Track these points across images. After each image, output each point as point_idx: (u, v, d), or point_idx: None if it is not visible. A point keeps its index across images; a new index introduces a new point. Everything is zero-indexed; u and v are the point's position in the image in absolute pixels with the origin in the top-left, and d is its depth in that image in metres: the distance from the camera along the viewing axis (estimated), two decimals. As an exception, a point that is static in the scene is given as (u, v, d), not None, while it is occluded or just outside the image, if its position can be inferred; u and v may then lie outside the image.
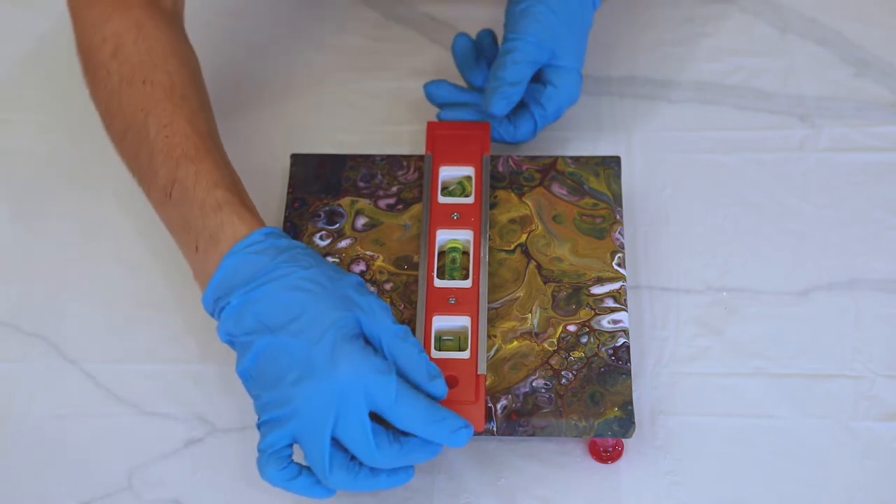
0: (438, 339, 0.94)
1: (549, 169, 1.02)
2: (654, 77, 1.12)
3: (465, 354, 0.92)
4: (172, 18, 1.00)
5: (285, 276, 0.88)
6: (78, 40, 0.99)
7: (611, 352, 0.93)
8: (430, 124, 1.03)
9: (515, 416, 0.90)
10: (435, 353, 0.92)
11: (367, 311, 0.88)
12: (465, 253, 0.98)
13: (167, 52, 0.96)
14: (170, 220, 0.93)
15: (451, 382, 0.90)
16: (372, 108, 1.13)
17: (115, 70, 0.96)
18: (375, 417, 0.86)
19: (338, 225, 1.00)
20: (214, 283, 0.89)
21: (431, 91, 1.06)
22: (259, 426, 0.87)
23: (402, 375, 0.87)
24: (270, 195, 1.06)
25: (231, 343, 0.90)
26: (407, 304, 0.96)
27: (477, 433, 0.89)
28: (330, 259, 0.98)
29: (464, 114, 1.04)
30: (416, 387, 0.87)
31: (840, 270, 1.01)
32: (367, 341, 0.88)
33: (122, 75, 0.95)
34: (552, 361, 0.93)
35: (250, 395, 0.89)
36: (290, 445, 0.87)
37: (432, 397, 0.88)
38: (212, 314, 0.91)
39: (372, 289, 0.95)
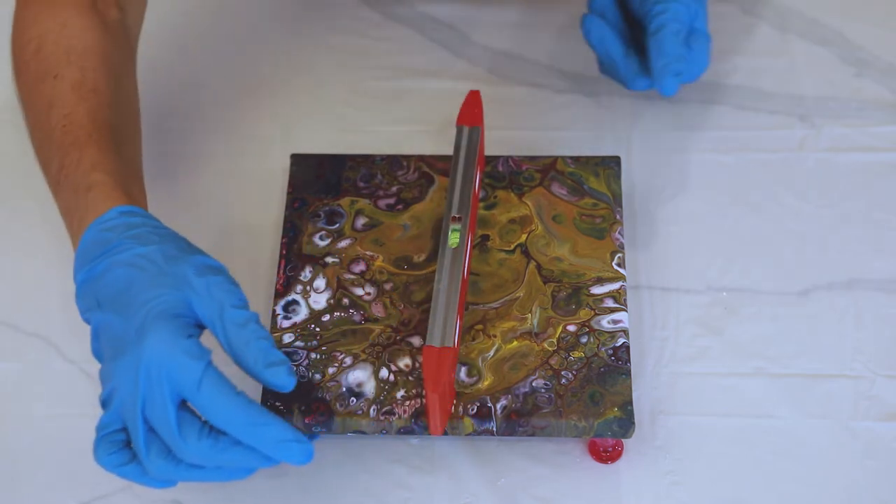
0: None
1: (549, 169, 1.03)
2: (654, 77, 1.12)
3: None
4: (112, 26, 0.98)
5: (121, 253, 0.86)
6: (11, 41, 0.99)
7: (611, 352, 0.93)
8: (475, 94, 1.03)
9: (515, 416, 0.90)
10: None
11: (202, 293, 0.84)
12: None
13: (88, 50, 0.96)
14: (60, 207, 0.92)
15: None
16: (372, 108, 1.13)
17: (34, 67, 0.96)
18: None
19: (338, 225, 1.00)
20: (75, 263, 0.88)
21: (590, 30, 1.06)
22: (101, 405, 0.85)
23: (240, 365, 0.83)
24: (270, 195, 1.06)
25: (87, 323, 0.88)
26: (407, 304, 0.96)
27: (478, 433, 0.89)
28: (330, 259, 0.98)
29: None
30: (254, 377, 0.83)
31: (840, 270, 1.01)
32: (200, 326, 0.84)
33: (37, 72, 0.95)
34: (552, 361, 0.93)
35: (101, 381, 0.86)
36: (123, 429, 0.83)
37: (274, 388, 0.83)
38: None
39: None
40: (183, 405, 0.82)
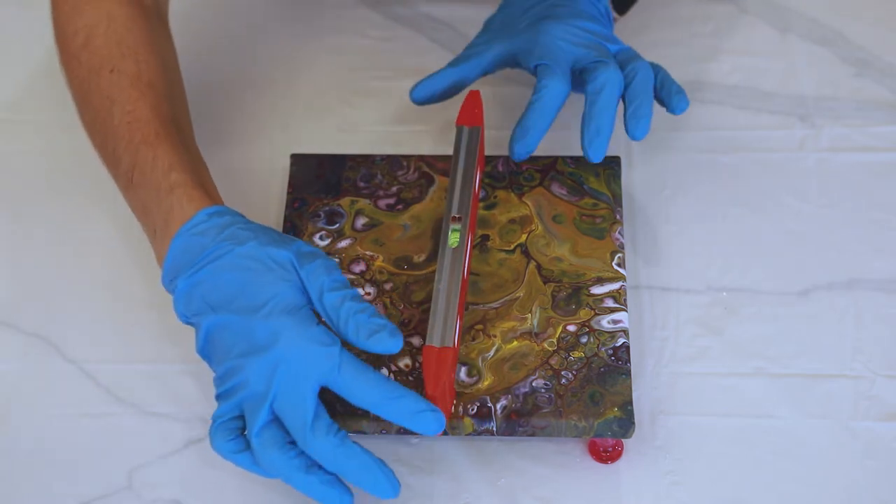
0: None
1: (549, 169, 1.03)
2: (654, 77, 1.12)
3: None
4: (151, 12, 1.01)
5: (223, 257, 0.88)
6: (54, 32, 1.00)
7: (611, 352, 0.93)
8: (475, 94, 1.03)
9: (515, 417, 0.90)
10: None
11: (308, 278, 0.88)
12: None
13: (138, 42, 0.97)
14: (133, 206, 0.94)
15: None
16: (372, 108, 1.13)
17: (85, 60, 0.97)
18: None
19: (338, 225, 1.00)
20: (166, 267, 0.90)
21: (419, 96, 1.05)
22: (216, 398, 0.88)
23: (349, 342, 0.87)
24: (270, 195, 1.06)
25: (189, 324, 0.91)
26: (407, 304, 0.96)
27: (477, 432, 0.89)
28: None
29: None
30: (363, 349, 0.87)
31: (840, 270, 1.01)
32: (316, 313, 0.88)
33: (90, 65, 0.97)
34: (552, 361, 0.93)
35: (213, 369, 0.89)
36: (240, 417, 0.87)
37: (384, 353, 0.87)
38: (167, 285, 0.92)
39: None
40: (320, 405, 0.86)
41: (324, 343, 0.86)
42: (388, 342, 0.86)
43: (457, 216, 0.95)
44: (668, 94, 1.00)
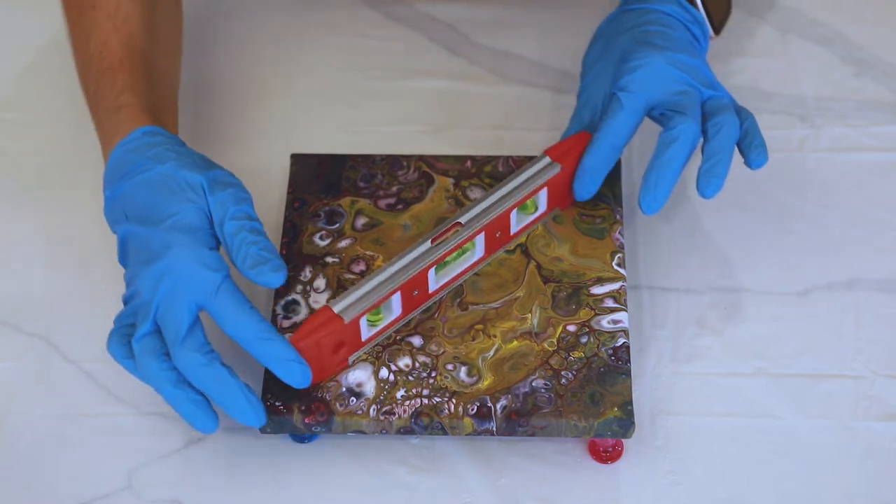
0: None
1: (549, 169, 1.02)
2: (654, 77, 1.12)
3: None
4: None
5: (143, 173, 0.93)
6: None
7: (611, 352, 0.93)
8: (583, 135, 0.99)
9: (515, 416, 0.90)
10: None
11: (215, 204, 0.91)
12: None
13: None
14: (96, 128, 0.99)
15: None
16: (372, 108, 1.13)
17: (75, 3, 1.02)
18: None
19: (338, 225, 1.00)
20: (104, 178, 0.95)
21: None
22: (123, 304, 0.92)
23: (235, 266, 0.90)
24: (270, 195, 1.06)
25: (114, 232, 0.95)
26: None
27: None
28: (330, 259, 0.98)
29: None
30: (247, 278, 0.90)
31: (840, 270, 1.01)
32: (218, 240, 0.92)
33: (77, 4, 1.01)
34: (552, 361, 0.93)
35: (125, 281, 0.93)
36: (133, 325, 0.90)
37: (264, 285, 0.90)
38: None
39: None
40: (196, 322, 0.89)
41: (209, 266, 0.89)
42: (268, 275, 0.89)
43: (461, 222, 0.95)
44: (748, 146, 0.97)
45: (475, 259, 0.97)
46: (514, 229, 0.97)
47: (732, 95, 1.01)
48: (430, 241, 0.94)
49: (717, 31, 1.04)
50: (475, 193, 1.01)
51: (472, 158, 1.03)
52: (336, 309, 0.91)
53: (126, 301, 0.92)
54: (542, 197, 0.97)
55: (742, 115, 0.98)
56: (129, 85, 0.97)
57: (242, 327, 0.89)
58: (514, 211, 0.97)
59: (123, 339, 0.90)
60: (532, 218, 0.98)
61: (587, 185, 0.98)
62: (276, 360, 0.89)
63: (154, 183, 0.92)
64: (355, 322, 0.91)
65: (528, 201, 0.98)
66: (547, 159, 0.98)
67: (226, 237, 0.91)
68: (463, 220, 0.95)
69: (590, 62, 1.03)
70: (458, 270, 0.96)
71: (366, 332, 0.93)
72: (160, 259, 0.89)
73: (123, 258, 0.94)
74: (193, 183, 0.92)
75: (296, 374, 0.89)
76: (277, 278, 0.90)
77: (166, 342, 0.89)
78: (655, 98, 0.97)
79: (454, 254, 0.96)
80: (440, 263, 0.95)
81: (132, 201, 0.93)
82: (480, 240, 0.96)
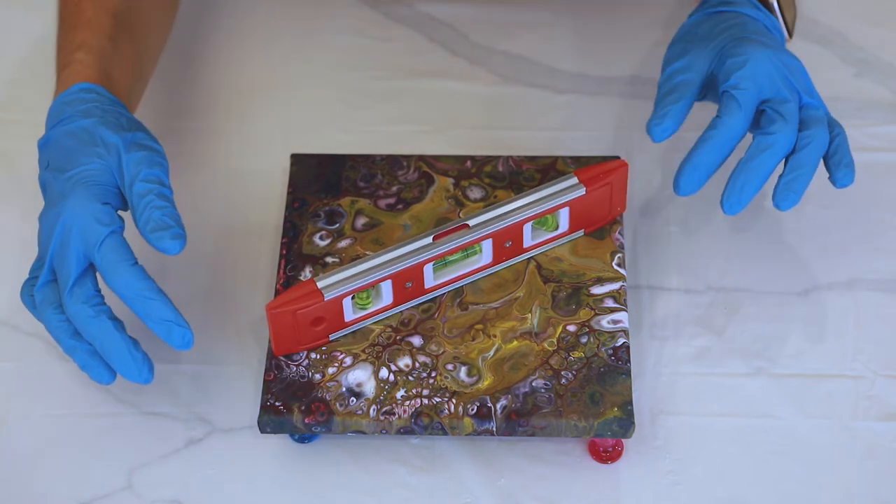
0: None
1: (549, 169, 1.02)
2: (654, 77, 1.11)
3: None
4: None
5: (67, 124, 0.94)
6: None
7: (610, 352, 0.93)
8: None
9: (515, 416, 0.90)
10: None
11: (128, 165, 0.92)
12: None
13: None
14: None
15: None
16: (372, 108, 1.13)
17: None
18: None
19: (338, 225, 1.00)
20: (46, 125, 0.97)
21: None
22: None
23: (137, 228, 0.91)
24: (270, 195, 1.06)
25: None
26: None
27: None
28: (330, 259, 0.98)
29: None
30: (147, 241, 0.91)
31: (840, 270, 1.01)
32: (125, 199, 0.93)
33: None
34: (552, 361, 0.93)
35: None
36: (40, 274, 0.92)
37: (162, 251, 0.90)
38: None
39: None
40: (87, 273, 0.90)
41: (99, 220, 0.90)
42: (167, 242, 0.90)
43: (468, 225, 0.95)
44: (836, 163, 0.95)
45: (482, 264, 0.96)
46: (528, 242, 0.97)
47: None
48: (432, 237, 0.94)
49: (791, 34, 1.03)
50: (475, 193, 1.01)
51: (472, 158, 1.03)
52: (319, 284, 0.91)
53: (38, 248, 0.94)
54: (564, 216, 0.97)
55: (834, 129, 0.96)
56: (84, 42, 0.98)
57: (124, 284, 0.89)
58: (530, 225, 0.96)
59: (30, 288, 0.92)
60: (552, 235, 0.98)
61: (694, 183, 0.95)
62: (156, 320, 0.89)
63: (74, 134, 0.94)
64: (337, 301, 0.91)
65: (548, 218, 0.97)
66: (574, 179, 0.97)
67: (133, 198, 0.91)
68: (471, 222, 0.95)
69: (676, 54, 0.99)
70: (461, 272, 0.96)
71: (350, 314, 0.93)
72: (55, 207, 0.91)
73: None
74: (109, 141, 0.93)
75: (175, 337, 0.89)
76: (175, 245, 0.90)
77: (60, 292, 0.90)
78: (765, 94, 0.95)
79: (457, 254, 0.95)
80: (440, 261, 0.95)
81: (53, 150, 0.94)
82: (488, 246, 0.96)
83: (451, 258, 0.96)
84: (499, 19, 1.18)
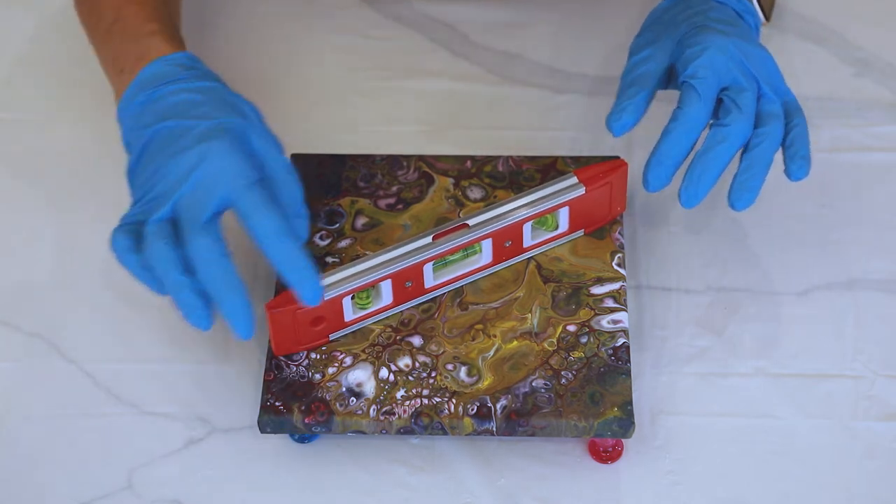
0: None
1: (549, 169, 1.02)
2: (654, 77, 1.12)
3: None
4: None
5: (188, 82, 0.94)
6: None
7: (610, 352, 0.93)
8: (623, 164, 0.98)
9: (515, 417, 0.90)
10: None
11: (260, 136, 0.92)
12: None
13: None
14: (105, 57, 1.01)
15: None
16: (372, 108, 1.13)
17: None
18: None
19: (338, 225, 1.00)
20: (133, 86, 0.95)
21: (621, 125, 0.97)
22: (132, 205, 0.92)
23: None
24: (270, 195, 1.06)
25: (128, 145, 0.95)
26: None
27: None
28: (330, 259, 0.98)
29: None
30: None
31: (840, 270, 1.01)
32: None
33: None
34: (552, 361, 0.93)
35: (133, 192, 0.93)
36: (141, 224, 0.89)
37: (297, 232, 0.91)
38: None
39: None
40: (218, 217, 0.89)
41: (249, 165, 0.89)
42: (304, 232, 0.93)
43: (468, 224, 0.95)
44: (791, 155, 0.94)
45: (482, 264, 0.96)
46: (528, 242, 0.97)
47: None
48: (431, 236, 0.94)
49: (768, 17, 1.02)
50: (475, 193, 1.01)
51: (472, 158, 1.03)
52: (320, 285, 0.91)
53: (137, 201, 0.91)
54: (563, 216, 0.97)
55: (793, 120, 0.95)
56: (155, 16, 0.99)
57: (267, 223, 0.87)
58: (530, 224, 0.96)
59: (129, 233, 0.89)
60: (552, 235, 0.98)
61: (662, 177, 0.94)
62: (291, 265, 0.87)
63: (200, 90, 0.93)
64: (337, 301, 0.92)
65: (548, 218, 0.97)
66: (574, 179, 0.97)
67: (276, 167, 0.91)
68: (471, 222, 0.95)
69: (641, 44, 0.99)
70: (462, 272, 0.96)
71: (350, 314, 0.93)
72: (196, 147, 0.89)
73: (143, 159, 0.92)
74: (239, 103, 0.93)
75: (306, 287, 0.88)
76: (304, 235, 0.92)
77: (183, 229, 0.88)
78: (724, 81, 0.95)
79: (457, 254, 0.96)
80: (440, 261, 0.95)
81: (173, 103, 0.93)
82: (488, 246, 0.96)
83: (451, 258, 0.96)
84: (499, 19, 1.18)
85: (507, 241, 0.96)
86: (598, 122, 1.10)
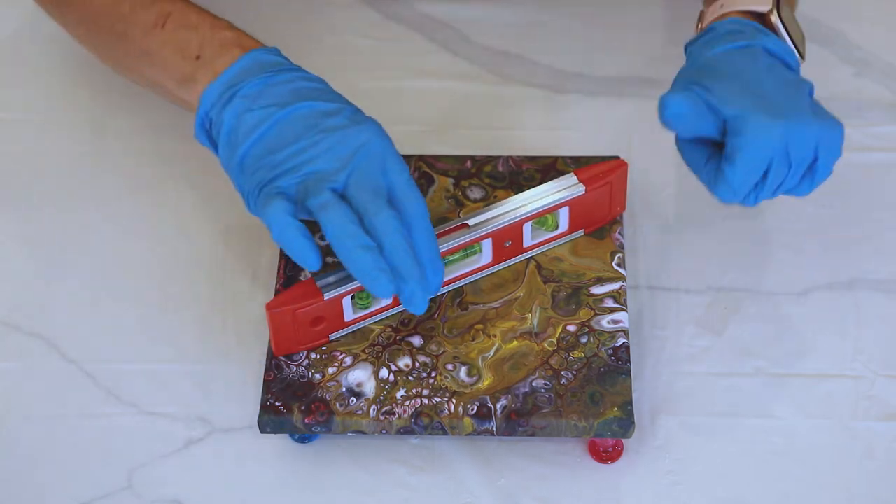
0: None
1: (549, 169, 1.02)
2: (654, 77, 1.12)
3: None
4: None
5: (303, 71, 0.94)
6: None
7: (610, 352, 0.93)
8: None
9: (515, 417, 0.90)
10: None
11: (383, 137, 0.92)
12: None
13: None
14: (161, 48, 0.96)
15: None
16: (372, 107, 1.12)
17: None
18: None
19: (338, 225, 1.00)
20: (234, 70, 0.93)
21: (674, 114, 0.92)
22: (260, 190, 0.90)
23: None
24: (270, 195, 1.06)
25: (232, 130, 0.92)
26: (407, 304, 0.96)
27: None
28: (329, 259, 0.98)
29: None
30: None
31: (840, 270, 1.01)
32: None
33: None
34: (552, 361, 0.93)
35: (245, 178, 0.91)
36: (293, 196, 0.89)
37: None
38: (209, 109, 0.93)
39: None
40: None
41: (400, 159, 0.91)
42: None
43: (468, 224, 0.95)
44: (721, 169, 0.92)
45: (482, 264, 0.96)
46: (528, 242, 0.97)
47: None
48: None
49: (804, 55, 0.97)
50: (475, 193, 1.01)
51: (472, 158, 1.03)
52: (319, 284, 0.91)
53: (290, 171, 0.89)
54: (563, 216, 0.97)
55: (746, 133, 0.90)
56: (210, 15, 0.97)
57: (420, 208, 0.88)
58: (530, 224, 0.96)
59: (288, 201, 0.89)
60: (552, 235, 0.98)
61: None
62: (432, 254, 0.88)
63: (320, 81, 0.94)
64: (337, 301, 0.91)
65: (548, 218, 0.97)
66: (573, 179, 0.97)
67: (403, 185, 0.90)
68: (471, 222, 0.95)
69: (686, 75, 0.95)
70: (461, 272, 0.96)
71: (350, 314, 0.93)
72: (354, 127, 0.90)
73: (266, 138, 0.91)
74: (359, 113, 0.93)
75: (434, 279, 0.89)
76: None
77: (361, 204, 0.88)
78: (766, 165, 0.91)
79: (457, 254, 0.95)
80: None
81: (300, 87, 0.92)
82: (487, 246, 0.96)
83: (451, 258, 0.96)
84: (499, 19, 1.18)
85: (507, 241, 0.96)
86: (599, 122, 1.10)
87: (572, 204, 0.96)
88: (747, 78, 0.92)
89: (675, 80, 0.95)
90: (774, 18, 0.95)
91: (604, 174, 0.97)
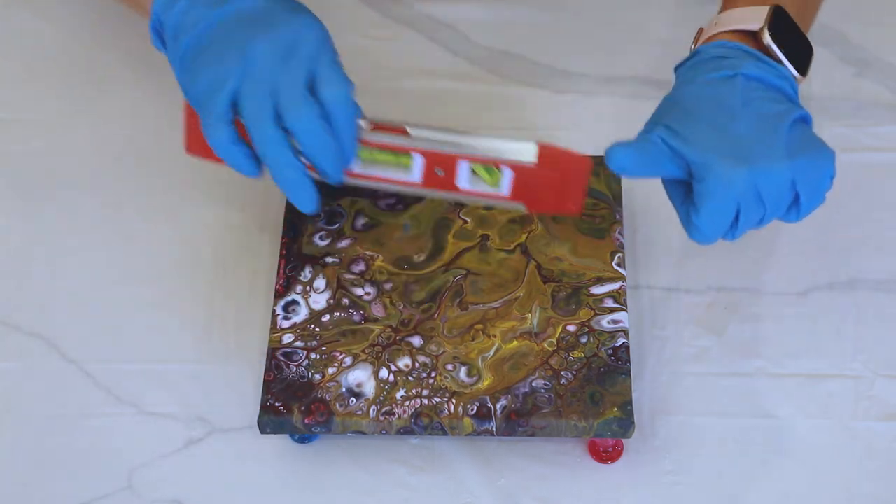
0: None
1: (549, 169, 1.02)
2: (654, 77, 1.12)
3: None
4: None
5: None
6: None
7: (610, 352, 0.93)
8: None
9: (515, 417, 0.90)
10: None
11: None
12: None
13: None
14: None
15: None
16: (372, 107, 1.12)
17: None
18: None
19: (338, 225, 1.00)
20: None
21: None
22: (198, 96, 0.88)
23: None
24: (271, 195, 1.06)
25: (175, 32, 0.90)
26: (407, 304, 0.96)
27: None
28: (330, 259, 0.98)
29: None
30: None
31: (840, 270, 1.01)
32: None
33: None
34: (552, 361, 0.93)
35: (186, 78, 0.89)
36: (232, 112, 0.87)
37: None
38: (161, 12, 0.91)
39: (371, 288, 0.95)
40: None
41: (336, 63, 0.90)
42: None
43: (407, 131, 0.92)
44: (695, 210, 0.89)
45: (409, 180, 0.92)
46: (463, 184, 0.92)
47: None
48: (371, 125, 0.92)
49: (805, 72, 0.94)
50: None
51: (472, 158, 1.03)
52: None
53: (214, 84, 0.88)
54: (507, 178, 0.92)
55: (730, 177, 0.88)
56: None
57: (343, 97, 0.89)
58: (468, 166, 0.92)
59: (228, 125, 0.88)
60: (490, 191, 0.92)
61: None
62: (350, 136, 0.89)
63: None
64: None
65: (490, 170, 0.92)
66: (533, 149, 0.92)
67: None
68: (412, 132, 0.92)
69: (673, 101, 0.93)
70: (388, 176, 0.92)
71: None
72: (290, 22, 0.89)
73: (204, 38, 0.90)
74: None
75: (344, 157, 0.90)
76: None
77: (285, 100, 0.87)
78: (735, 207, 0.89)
79: (387, 155, 0.92)
80: (367, 150, 0.91)
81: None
82: (419, 162, 0.91)
83: (381, 156, 0.92)
84: (499, 19, 1.18)
85: (440, 170, 0.92)
86: (598, 122, 1.10)
87: (518, 171, 0.91)
88: (720, 116, 0.89)
89: (653, 113, 0.93)
90: (767, 40, 0.92)
91: (561, 161, 0.92)
